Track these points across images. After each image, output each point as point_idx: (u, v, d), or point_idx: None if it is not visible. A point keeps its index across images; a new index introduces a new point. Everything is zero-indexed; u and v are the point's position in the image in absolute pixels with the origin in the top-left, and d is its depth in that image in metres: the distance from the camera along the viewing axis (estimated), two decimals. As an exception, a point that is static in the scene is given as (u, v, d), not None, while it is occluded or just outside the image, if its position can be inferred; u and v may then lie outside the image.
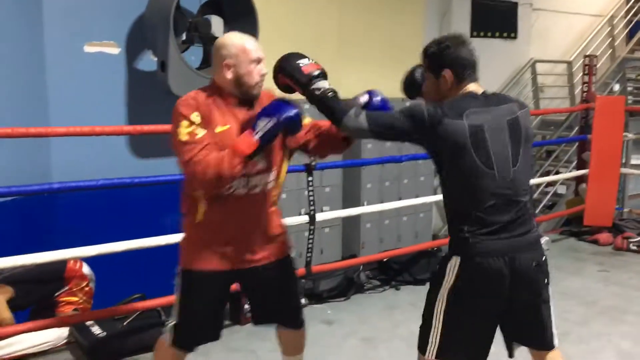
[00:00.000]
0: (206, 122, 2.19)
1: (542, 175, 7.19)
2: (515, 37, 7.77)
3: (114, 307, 3.54)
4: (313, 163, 3.75)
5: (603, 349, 3.55)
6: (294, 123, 2.19)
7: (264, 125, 2.13)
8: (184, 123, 2.17)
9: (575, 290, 4.53)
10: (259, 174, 2.29)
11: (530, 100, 7.96)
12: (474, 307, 2.10)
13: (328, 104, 2.19)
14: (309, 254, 3.82)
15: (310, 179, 3.77)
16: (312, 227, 3.77)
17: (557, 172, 7.32)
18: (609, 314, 4.08)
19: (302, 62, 2.27)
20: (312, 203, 3.77)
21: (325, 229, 5.69)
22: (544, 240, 5.53)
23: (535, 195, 7.09)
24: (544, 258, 2.17)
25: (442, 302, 2.11)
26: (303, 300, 4.14)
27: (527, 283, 2.11)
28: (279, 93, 2.37)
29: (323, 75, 2.25)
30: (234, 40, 2.26)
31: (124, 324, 3.50)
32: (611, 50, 8.65)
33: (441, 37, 2.22)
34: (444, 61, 2.15)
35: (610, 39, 8.62)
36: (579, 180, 6.36)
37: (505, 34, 7.69)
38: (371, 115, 2.15)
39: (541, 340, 2.22)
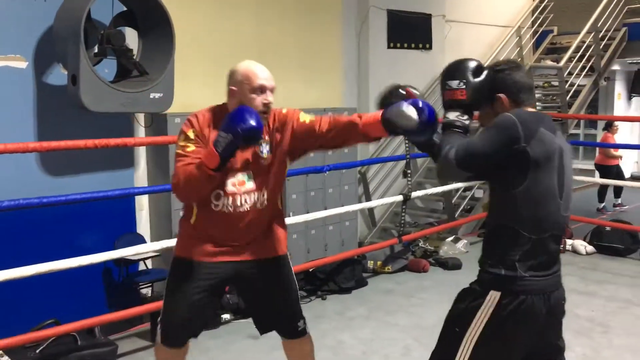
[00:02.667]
0: (202, 140, 2.30)
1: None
2: (430, 48, 8.01)
3: (25, 335, 3.34)
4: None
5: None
6: (253, 132, 2.15)
7: (223, 139, 2.15)
8: (181, 137, 2.33)
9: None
10: (247, 194, 2.35)
11: (446, 108, 8.22)
12: (509, 347, 1.95)
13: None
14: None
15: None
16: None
17: (474, 177, 7.58)
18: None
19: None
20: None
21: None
22: (462, 243, 5.74)
23: (454, 200, 7.33)
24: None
25: (475, 333, 1.94)
26: (227, 316, 4.08)
27: (556, 322, 2.03)
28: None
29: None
30: (240, 68, 2.39)
31: (37, 352, 3.31)
32: (520, 59, 9.08)
33: (496, 62, 2.16)
34: (498, 85, 2.04)
35: (518, 48, 9.06)
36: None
37: (420, 45, 7.92)
38: (461, 146, 1.91)
39: None
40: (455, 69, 2.05)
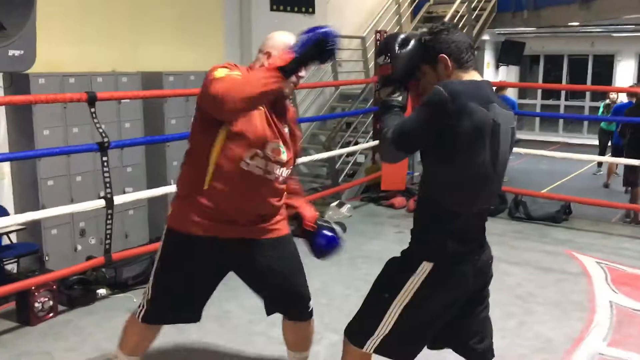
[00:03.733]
0: None
1: (342, 146, 7.53)
2: (313, 12, 7.96)
3: None
4: (106, 140, 3.45)
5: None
6: (330, 37, 1.98)
7: (302, 40, 1.99)
8: (220, 70, 2.11)
9: (376, 253, 4.81)
10: (278, 164, 2.29)
11: (329, 74, 8.25)
12: (438, 310, 2.02)
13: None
14: (107, 241, 3.53)
15: (105, 158, 3.47)
16: (110, 212, 3.49)
17: (357, 143, 7.73)
18: (406, 272, 4.41)
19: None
20: (108, 185, 3.48)
21: (129, 211, 5.36)
22: (346, 207, 5.84)
23: (337, 166, 7.42)
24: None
25: (404, 300, 1.98)
26: (104, 291, 3.85)
27: (482, 278, 2.11)
28: None
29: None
30: (282, 36, 2.32)
31: None
32: (398, 27, 9.29)
33: (431, 25, 2.08)
34: (440, 46, 1.97)
35: (397, 16, 9.26)
36: (376, 149, 6.77)
37: (303, 9, 7.84)
38: (396, 128, 1.92)
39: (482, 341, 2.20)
40: (381, 45, 2.05)
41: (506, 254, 4.80)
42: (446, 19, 8.72)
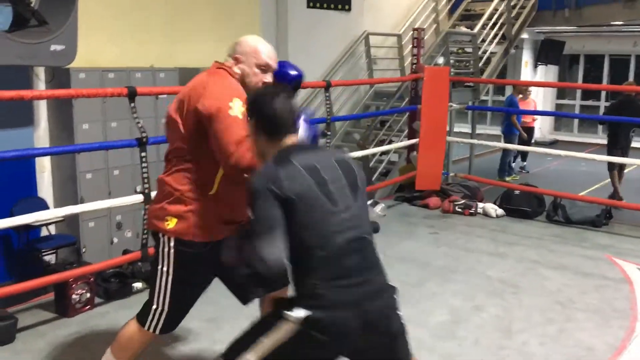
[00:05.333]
0: None
1: (376, 145, 7.47)
2: (349, 10, 7.91)
3: None
4: (144, 136, 3.48)
5: (436, 307, 3.77)
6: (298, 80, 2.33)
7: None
8: (238, 101, 2.15)
9: (410, 253, 4.77)
10: None
11: (365, 71, 8.20)
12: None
13: None
14: (144, 236, 3.56)
15: (143, 154, 3.50)
16: (147, 207, 3.51)
17: (391, 142, 7.66)
18: (441, 273, 4.35)
19: None
20: (146, 180, 3.51)
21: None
22: (380, 207, 5.79)
23: (371, 164, 7.36)
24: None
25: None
26: (139, 285, 3.88)
27: (385, 339, 1.92)
28: None
29: None
30: (250, 40, 2.37)
31: None
32: (436, 24, 9.18)
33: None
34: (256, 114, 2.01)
35: (434, 14, 9.14)
36: (410, 148, 6.70)
37: (340, 6, 7.80)
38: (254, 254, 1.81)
39: None
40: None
41: (544, 257, 4.69)
42: (485, 16, 8.57)
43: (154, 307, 2.30)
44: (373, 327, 1.85)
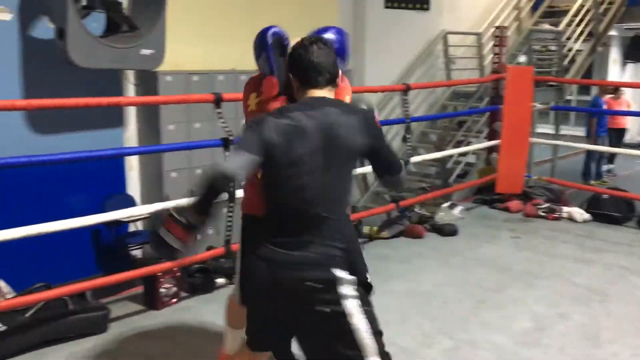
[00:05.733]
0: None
1: (454, 146, 7.34)
2: (427, 9, 7.82)
3: (15, 299, 3.24)
4: (230, 137, 3.58)
5: (518, 313, 3.66)
6: (278, 35, 2.28)
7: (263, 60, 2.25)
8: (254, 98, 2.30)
9: (490, 257, 4.65)
10: None
11: (442, 71, 8.07)
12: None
13: None
14: (228, 233, 3.66)
15: (227, 154, 3.60)
16: (231, 204, 3.61)
17: (469, 143, 7.50)
18: (523, 279, 4.22)
19: None
20: (230, 179, 3.61)
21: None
22: (458, 209, 5.69)
23: (448, 165, 7.24)
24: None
25: None
26: (222, 280, 4.00)
27: (295, 303, 1.99)
28: None
29: None
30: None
31: (26, 315, 3.21)
32: (517, 22, 8.91)
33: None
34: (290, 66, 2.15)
35: (516, 11, 8.88)
36: (490, 149, 6.53)
37: (418, 6, 7.72)
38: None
39: None
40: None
41: (635, 265, 4.46)
42: (570, 13, 8.24)
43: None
44: (285, 292, 1.96)
